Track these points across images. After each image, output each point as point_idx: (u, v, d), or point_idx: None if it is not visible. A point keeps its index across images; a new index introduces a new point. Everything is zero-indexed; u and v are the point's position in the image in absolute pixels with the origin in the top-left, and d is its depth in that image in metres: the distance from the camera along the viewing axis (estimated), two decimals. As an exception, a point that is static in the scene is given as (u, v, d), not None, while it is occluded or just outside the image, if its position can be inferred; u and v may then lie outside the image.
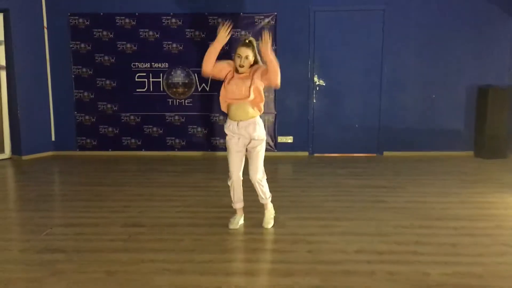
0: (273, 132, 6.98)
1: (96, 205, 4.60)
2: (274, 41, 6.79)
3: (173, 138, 7.10)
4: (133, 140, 7.12)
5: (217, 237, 3.70)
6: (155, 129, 7.08)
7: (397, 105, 6.90)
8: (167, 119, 7.04)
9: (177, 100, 6.97)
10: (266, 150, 3.93)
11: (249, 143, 3.78)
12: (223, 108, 3.88)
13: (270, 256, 3.38)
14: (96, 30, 6.85)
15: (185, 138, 7.09)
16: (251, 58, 3.61)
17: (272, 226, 3.91)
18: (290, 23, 6.77)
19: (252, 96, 3.63)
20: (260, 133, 3.75)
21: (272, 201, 3.97)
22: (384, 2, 6.67)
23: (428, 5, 6.66)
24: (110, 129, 7.09)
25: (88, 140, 7.13)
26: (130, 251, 3.44)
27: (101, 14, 6.82)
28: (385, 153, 6.99)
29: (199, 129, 7.05)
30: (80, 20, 6.85)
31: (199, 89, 6.93)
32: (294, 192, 4.97)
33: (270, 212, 3.94)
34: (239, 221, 3.95)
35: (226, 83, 3.73)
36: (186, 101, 6.97)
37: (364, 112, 6.97)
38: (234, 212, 4.00)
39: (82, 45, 6.90)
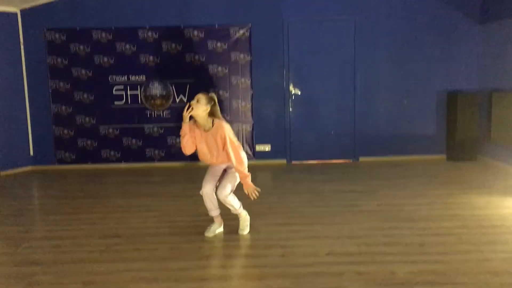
0: (251, 140, 7.09)
1: (74, 217, 4.64)
2: (250, 52, 6.94)
3: (152, 149, 7.16)
4: (112, 153, 7.16)
5: (193, 245, 3.79)
6: (134, 141, 7.13)
7: (371, 111, 7.08)
8: (146, 131, 7.10)
9: (155, 112, 7.05)
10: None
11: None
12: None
13: (244, 261, 3.48)
14: (72, 44, 6.91)
15: (164, 149, 7.16)
16: (202, 102, 3.72)
17: (248, 233, 4.00)
18: (264, 34, 6.92)
19: (222, 159, 3.86)
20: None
21: (248, 209, 4.07)
22: (354, 12, 6.87)
23: (397, 14, 6.88)
24: (89, 142, 7.12)
25: (67, 154, 7.15)
26: (107, 261, 3.51)
27: (77, 29, 6.88)
28: (361, 159, 7.15)
29: (178, 140, 7.08)
30: (57, 35, 6.90)
31: (177, 101, 7.02)
32: (271, 199, 5.07)
33: (243, 219, 4.04)
34: (215, 229, 4.04)
35: (197, 143, 3.88)
36: (164, 113, 7.05)
37: (339, 119, 7.14)
38: (211, 220, 4.09)
39: (59, 60, 6.94)
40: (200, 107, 3.72)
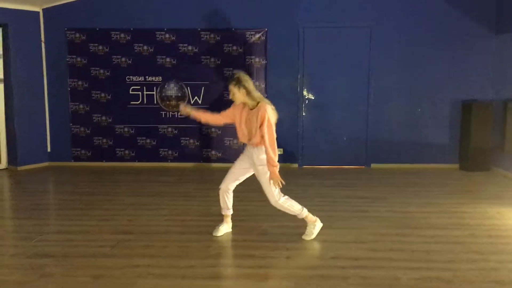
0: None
1: (87, 213, 4.75)
2: (265, 56, 7.01)
3: (166, 149, 7.27)
4: (127, 152, 7.29)
5: (202, 244, 3.86)
6: (148, 140, 7.25)
7: (384, 118, 7.08)
8: (160, 131, 7.22)
9: (170, 113, 7.16)
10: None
11: (256, 170, 3.89)
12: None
13: (250, 261, 3.52)
14: (92, 44, 7.07)
15: (178, 150, 7.26)
16: (238, 93, 3.75)
17: (261, 234, 4.05)
18: (280, 38, 6.99)
19: (256, 139, 3.77)
20: (263, 159, 3.79)
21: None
22: (370, 19, 6.90)
23: (413, 22, 6.89)
24: (104, 140, 7.26)
25: (83, 151, 7.30)
26: (117, 256, 3.60)
27: (97, 29, 7.04)
28: (373, 165, 7.15)
29: (191, 141, 7.23)
30: (77, 35, 7.07)
31: (192, 102, 7.12)
32: (281, 202, 5.10)
33: (310, 224, 4.00)
34: (223, 229, 4.10)
35: (239, 121, 3.88)
36: (178, 114, 7.15)
37: (352, 125, 7.15)
38: (221, 220, 4.16)
39: (78, 59, 7.10)
40: (237, 97, 3.77)
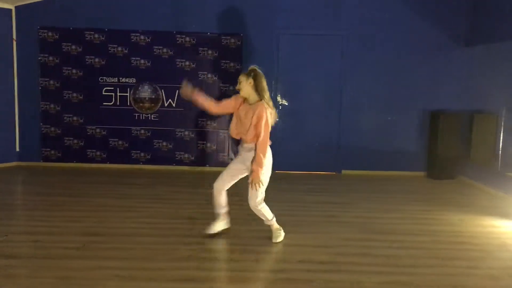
0: (237, 148, 7.18)
1: (55, 214, 4.70)
2: (240, 61, 7.07)
3: (138, 151, 7.23)
4: (98, 153, 7.22)
5: (170, 247, 3.87)
6: (120, 142, 7.20)
7: (356, 126, 7.23)
8: (133, 133, 7.18)
9: (143, 115, 7.14)
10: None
11: (249, 171, 3.90)
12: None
13: (218, 264, 3.56)
14: (65, 44, 6.99)
15: (150, 152, 7.24)
16: (243, 80, 3.78)
17: (228, 237, 4.09)
18: (255, 44, 7.07)
19: (250, 135, 3.79)
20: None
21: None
22: (344, 28, 7.04)
23: (385, 32, 7.06)
24: (75, 141, 7.17)
25: (53, 152, 7.19)
26: (84, 258, 3.58)
27: (71, 28, 6.97)
28: (344, 172, 7.28)
29: (164, 143, 7.21)
30: (50, 34, 6.98)
31: (166, 105, 7.11)
32: (251, 206, 5.15)
33: (275, 229, 4.09)
34: (216, 227, 4.13)
35: (236, 112, 3.93)
36: (152, 116, 7.13)
37: (324, 132, 7.27)
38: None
39: (51, 58, 7.01)
40: (244, 86, 3.78)
